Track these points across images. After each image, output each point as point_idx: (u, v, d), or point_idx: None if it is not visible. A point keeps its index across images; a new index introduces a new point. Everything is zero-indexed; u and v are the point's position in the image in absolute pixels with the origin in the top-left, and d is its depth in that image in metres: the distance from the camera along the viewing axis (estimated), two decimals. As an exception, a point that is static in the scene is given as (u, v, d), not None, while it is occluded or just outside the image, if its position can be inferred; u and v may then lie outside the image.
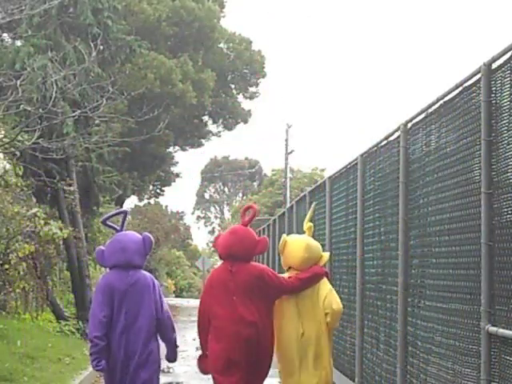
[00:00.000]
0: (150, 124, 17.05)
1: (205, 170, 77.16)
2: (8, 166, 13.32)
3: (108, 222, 7.06)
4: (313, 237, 7.39)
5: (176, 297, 42.40)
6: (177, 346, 6.82)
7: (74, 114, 11.87)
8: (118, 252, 6.48)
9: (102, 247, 6.71)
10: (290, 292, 6.53)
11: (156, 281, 6.72)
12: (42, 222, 12.32)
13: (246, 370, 6.24)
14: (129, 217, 7.01)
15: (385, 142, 8.35)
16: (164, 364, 13.02)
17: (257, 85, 35.30)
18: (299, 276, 6.59)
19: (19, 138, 11.07)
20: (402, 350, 7.27)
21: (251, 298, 6.35)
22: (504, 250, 4.96)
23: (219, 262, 6.88)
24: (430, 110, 6.65)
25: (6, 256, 11.76)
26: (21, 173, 13.34)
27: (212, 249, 53.30)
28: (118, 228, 6.75)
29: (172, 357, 6.86)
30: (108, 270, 6.69)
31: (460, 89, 5.85)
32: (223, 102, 33.97)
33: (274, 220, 20.94)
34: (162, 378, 11.31)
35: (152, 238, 6.77)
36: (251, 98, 35.55)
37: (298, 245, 6.96)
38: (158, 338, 6.69)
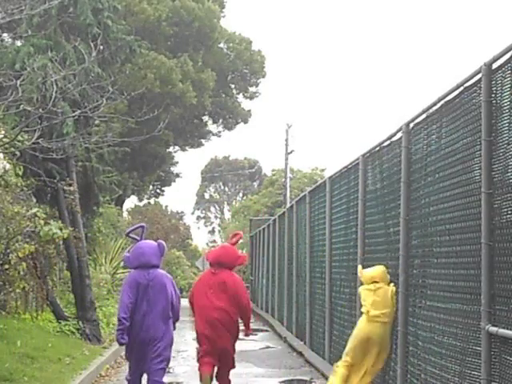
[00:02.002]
0: (150, 124, 17.04)
1: (205, 170, 77.13)
2: (8, 166, 13.30)
3: (131, 235, 9.16)
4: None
5: (176, 297, 42.30)
6: (177, 320, 8.72)
7: (74, 114, 11.83)
8: (139, 256, 8.45)
9: (127, 254, 8.75)
10: (244, 305, 9.08)
11: (170, 276, 8.71)
12: (42, 222, 12.28)
13: (216, 338, 8.90)
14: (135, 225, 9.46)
15: (387, 142, 8.36)
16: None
17: (257, 85, 35.30)
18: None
19: (19, 137, 11.03)
20: (402, 350, 7.28)
21: (221, 293, 8.93)
22: (504, 250, 4.97)
23: None
24: (431, 110, 6.65)
25: (6, 256, 11.73)
26: (21, 173, 13.31)
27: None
28: (138, 238, 8.74)
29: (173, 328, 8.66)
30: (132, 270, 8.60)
31: (461, 89, 5.85)
32: (223, 101, 33.96)
33: (274, 220, 20.95)
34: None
35: (165, 244, 8.72)
36: (251, 98, 35.55)
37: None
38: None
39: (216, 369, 9.12)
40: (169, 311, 8.38)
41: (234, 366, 9.33)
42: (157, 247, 8.53)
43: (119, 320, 8.25)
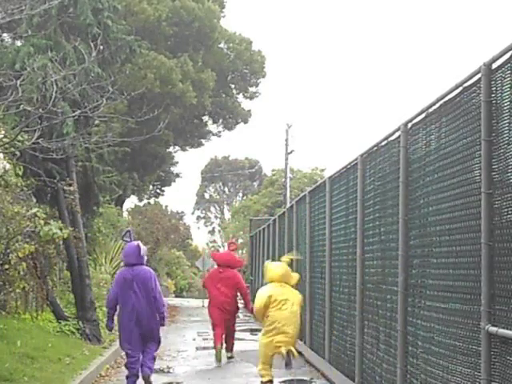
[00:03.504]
0: (150, 124, 17.02)
1: (205, 170, 77.07)
2: (8, 166, 13.31)
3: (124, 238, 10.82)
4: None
5: (176, 297, 42.30)
6: (165, 317, 10.25)
7: (74, 114, 11.82)
8: (125, 256, 10.28)
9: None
10: (243, 291, 14.39)
11: (153, 272, 10.32)
12: (42, 222, 12.28)
13: (223, 315, 13.76)
14: (133, 230, 11.51)
15: (385, 142, 8.36)
16: (164, 364, 13.12)
17: (257, 85, 35.23)
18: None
19: (19, 137, 11.02)
20: (402, 350, 7.27)
21: (227, 285, 13.79)
22: (504, 250, 4.97)
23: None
24: (430, 110, 6.65)
25: (6, 256, 11.73)
26: (21, 173, 13.32)
27: (212, 249, 53.41)
28: (129, 240, 10.36)
29: (162, 323, 10.17)
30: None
31: (460, 89, 5.85)
32: (223, 101, 33.91)
33: (274, 220, 20.95)
34: (163, 378, 11.34)
35: (141, 244, 10.23)
36: (251, 98, 35.49)
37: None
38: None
39: (224, 336, 13.71)
40: (152, 301, 9.93)
41: (234, 331, 14.22)
42: (136, 247, 10.10)
43: (107, 310, 10.24)
